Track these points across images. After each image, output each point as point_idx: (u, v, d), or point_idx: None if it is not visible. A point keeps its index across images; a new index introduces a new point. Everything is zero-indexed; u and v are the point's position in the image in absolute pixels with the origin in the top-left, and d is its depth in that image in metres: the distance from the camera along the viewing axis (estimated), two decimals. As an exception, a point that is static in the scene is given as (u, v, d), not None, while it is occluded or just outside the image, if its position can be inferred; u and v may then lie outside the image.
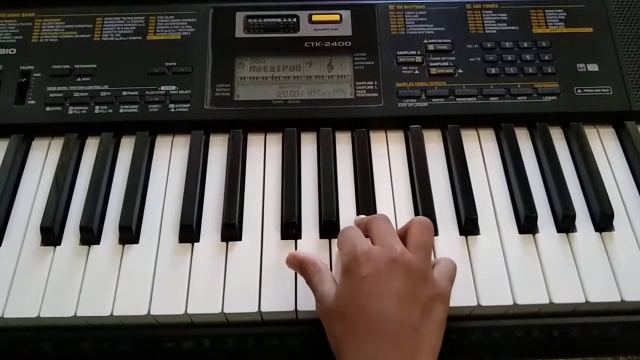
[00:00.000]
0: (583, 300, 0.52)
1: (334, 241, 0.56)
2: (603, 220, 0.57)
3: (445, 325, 0.48)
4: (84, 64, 0.65)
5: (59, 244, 0.56)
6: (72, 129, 0.63)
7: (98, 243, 0.56)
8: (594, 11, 0.68)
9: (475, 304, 0.52)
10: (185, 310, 0.52)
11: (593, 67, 0.65)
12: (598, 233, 0.57)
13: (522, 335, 0.55)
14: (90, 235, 0.56)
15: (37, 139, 0.64)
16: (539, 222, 0.57)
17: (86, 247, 0.56)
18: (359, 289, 0.46)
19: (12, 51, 0.66)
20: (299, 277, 0.53)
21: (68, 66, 0.65)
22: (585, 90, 0.64)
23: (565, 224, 0.57)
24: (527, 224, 0.57)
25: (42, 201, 0.58)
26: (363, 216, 0.55)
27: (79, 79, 0.64)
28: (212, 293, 0.53)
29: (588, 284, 0.53)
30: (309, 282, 0.50)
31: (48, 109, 0.63)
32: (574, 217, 0.56)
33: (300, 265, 0.51)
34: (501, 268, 0.54)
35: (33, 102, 0.63)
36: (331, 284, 0.49)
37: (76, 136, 0.63)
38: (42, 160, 0.62)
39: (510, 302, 0.52)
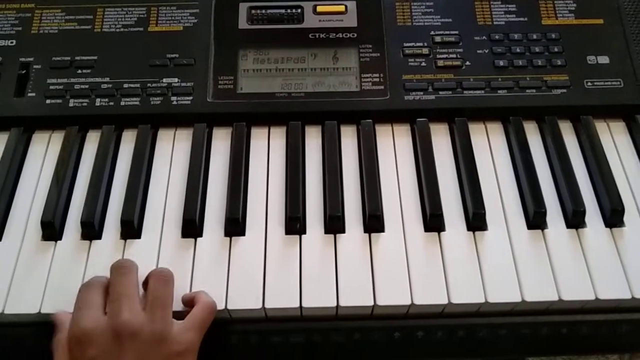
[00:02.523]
0: (593, 297, 0.52)
1: (340, 236, 0.55)
2: (613, 216, 0.56)
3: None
4: (84, 56, 0.64)
5: (60, 239, 0.55)
6: (72, 122, 0.62)
7: (99, 238, 0.55)
8: (604, 2, 0.67)
9: (482, 300, 0.51)
10: (188, 307, 0.51)
11: (604, 60, 0.64)
12: (608, 229, 0.56)
13: (530, 332, 0.54)
14: (91, 230, 0.55)
15: (38, 132, 0.63)
16: (547, 218, 0.56)
17: (87, 242, 0.55)
18: None
19: (12, 42, 0.65)
20: (304, 273, 0.53)
21: (68, 58, 0.64)
22: (595, 83, 0.63)
23: (574, 219, 0.56)
24: (535, 219, 0.56)
25: (42, 195, 0.57)
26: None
27: (79, 71, 0.63)
28: (215, 289, 0.52)
29: (598, 280, 0.52)
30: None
31: (48, 101, 0.62)
32: (583, 212, 0.55)
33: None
34: (509, 264, 0.53)
35: (33, 94, 0.62)
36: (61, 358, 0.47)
37: (77, 129, 0.62)
38: (43, 153, 0.61)
39: (519, 299, 0.51)
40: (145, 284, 0.50)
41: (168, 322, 0.47)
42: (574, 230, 0.56)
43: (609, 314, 0.54)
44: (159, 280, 0.49)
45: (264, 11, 0.66)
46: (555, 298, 0.52)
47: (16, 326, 0.53)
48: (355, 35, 0.65)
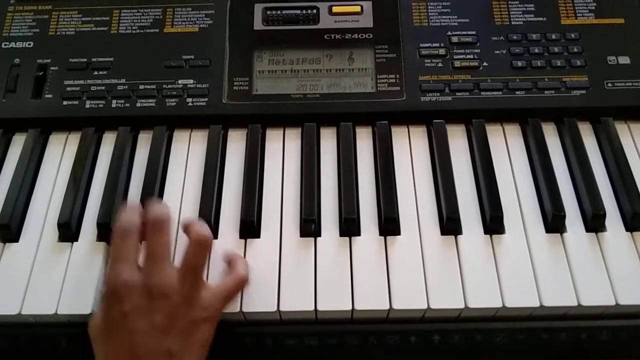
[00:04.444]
0: (613, 303, 0.51)
1: (355, 239, 0.55)
2: (634, 220, 0.55)
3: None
4: (101, 57, 0.64)
5: (77, 240, 0.56)
6: (89, 123, 0.62)
7: (115, 239, 0.55)
8: (625, 1, 0.65)
9: (500, 305, 0.51)
10: (203, 309, 0.51)
11: (624, 60, 0.63)
12: (629, 233, 0.55)
13: (549, 337, 0.53)
14: (107, 231, 0.55)
15: (55, 133, 0.63)
16: (566, 221, 0.55)
17: (103, 243, 0.55)
18: (118, 326, 0.46)
19: (29, 44, 0.65)
20: (319, 275, 0.52)
21: (85, 60, 0.64)
22: (616, 84, 0.62)
23: (594, 223, 0.55)
24: (554, 223, 0.55)
25: (59, 196, 0.58)
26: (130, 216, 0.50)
27: (96, 73, 0.63)
28: (230, 292, 0.52)
29: (618, 285, 0.51)
30: None
31: (65, 103, 0.62)
32: (603, 216, 0.54)
33: None
34: (527, 268, 0.53)
35: (50, 96, 0.62)
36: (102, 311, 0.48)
37: (93, 131, 0.62)
38: (60, 154, 0.62)
39: (537, 304, 0.51)
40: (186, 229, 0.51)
41: (198, 289, 0.48)
42: (593, 234, 0.55)
43: (630, 320, 0.53)
44: (197, 246, 0.49)
45: (279, 12, 0.66)
46: (575, 303, 0.51)
47: (33, 326, 0.53)
48: (371, 35, 0.64)
